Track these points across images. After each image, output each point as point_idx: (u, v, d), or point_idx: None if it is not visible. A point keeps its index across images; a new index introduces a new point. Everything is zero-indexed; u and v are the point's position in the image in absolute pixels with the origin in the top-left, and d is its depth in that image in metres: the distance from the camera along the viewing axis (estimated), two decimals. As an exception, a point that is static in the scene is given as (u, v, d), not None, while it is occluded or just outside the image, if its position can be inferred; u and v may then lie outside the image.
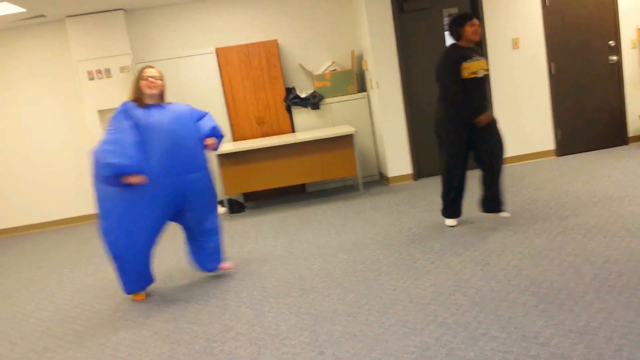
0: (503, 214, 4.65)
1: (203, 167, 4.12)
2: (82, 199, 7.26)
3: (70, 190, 7.25)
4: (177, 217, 4.14)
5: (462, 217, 4.91)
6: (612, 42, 6.75)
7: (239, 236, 5.49)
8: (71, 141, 7.17)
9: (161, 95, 4.03)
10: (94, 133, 6.84)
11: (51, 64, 7.03)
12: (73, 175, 7.22)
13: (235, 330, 3.39)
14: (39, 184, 7.21)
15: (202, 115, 4.20)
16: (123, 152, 3.71)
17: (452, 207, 4.74)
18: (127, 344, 3.44)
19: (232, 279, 4.29)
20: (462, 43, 4.49)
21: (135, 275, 4.08)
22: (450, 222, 4.78)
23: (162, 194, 3.91)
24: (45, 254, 5.99)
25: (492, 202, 4.62)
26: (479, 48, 4.46)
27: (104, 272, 4.99)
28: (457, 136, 4.49)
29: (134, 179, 3.73)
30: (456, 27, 4.47)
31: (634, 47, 6.79)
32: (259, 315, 3.55)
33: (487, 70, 4.49)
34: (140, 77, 3.93)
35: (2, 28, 6.82)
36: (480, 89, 4.47)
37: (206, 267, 4.32)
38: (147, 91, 3.92)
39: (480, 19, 6.56)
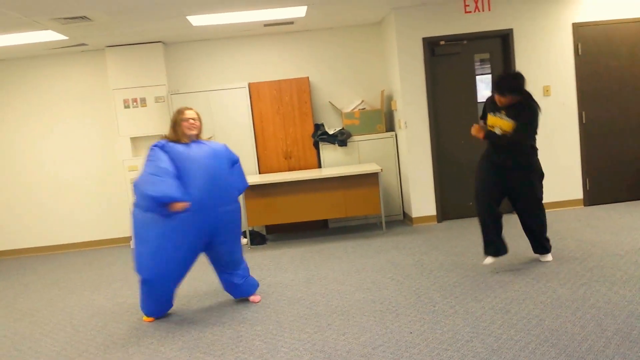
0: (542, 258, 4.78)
1: (235, 200, 4.30)
2: (108, 222, 7.38)
3: (97, 214, 7.37)
4: (207, 248, 4.26)
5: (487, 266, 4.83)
6: (645, 94, 6.69)
7: (259, 268, 5.49)
8: (102, 166, 7.33)
9: (198, 135, 4.25)
10: (125, 159, 6.99)
11: (88, 90, 7.25)
12: (101, 199, 7.35)
13: (248, 363, 3.37)
14: (67, 206, 7.36)
15: (234, 159, 4.37)
16: (170, 182, 3.89)
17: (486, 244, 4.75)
18: (140, 370, 3.44)
19: (248, 311, 4.28)
20: None
21: (160, 302, 4.24)
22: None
23: (197, 225, 4.04)
24: (68, 275, 6.08)
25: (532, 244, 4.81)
26: (517, 111, 4.38)
27: (123, 297, 5.03)
28: (483, 175, 4.64)
29: (179, 206, 3.88)
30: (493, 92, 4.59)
31: (668, 100, 6.72)
32: (272, 349, 3.53)
33: (507, 132, 4.41)
34: (180, 118, 4.14)
35: (44, 54, 7.09)
36: (497, 143, 4.51)
37: (241, 293, 4.49)
38: (187, 132, 4.15)
39: (512, 64, 6.58)
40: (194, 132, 4.17)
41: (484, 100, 4.78)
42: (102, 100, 7.25)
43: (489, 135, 4.49)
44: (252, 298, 4.50)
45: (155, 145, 4.06)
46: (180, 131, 4.12)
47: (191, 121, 4.14)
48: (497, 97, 4.45)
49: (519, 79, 4.40)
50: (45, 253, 7.38)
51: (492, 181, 4.57)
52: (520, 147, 4.48)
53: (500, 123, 4.45)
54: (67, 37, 6.13)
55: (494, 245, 4.66)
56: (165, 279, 4.09)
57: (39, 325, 4.48)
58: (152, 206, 3.89)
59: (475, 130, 4.56)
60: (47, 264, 6.73)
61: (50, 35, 5.94)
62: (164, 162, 3.95)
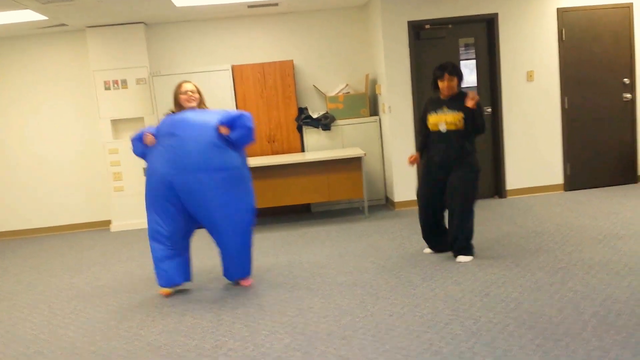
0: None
1: (221, 168, 4.09)
2: (90, 205, 7.31)
3: (78, 197, 7.30)
4: (209, 220, 4.24)
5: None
6: (626, 80, 6.73)
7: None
8: (82, 148, 7.24)
9: (199, 106, 4.31)
10: (106, 141, 6.91)
11: (68, 71, 7.14)
12: (82, 181, 7.27)
13: (228, 346, 3.37)
14: (47, 188, 7.27)
15: (228, 119, 4.15)
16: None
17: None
18: (119, 353, 3.42)
19: (228, 294, 4.28)
20: (439, 94, 4.56)
21: (159, 263, 4.26)
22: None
23: (167, 185, 4.10)
24: (47, 258, 6.02)
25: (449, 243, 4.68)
26: (461, 101, 4.37)
27: (102, 280, 5.00)
28: (425, 178, 4.71)
29: (148, 137, 4.17)
30: (433, 80, 4.55)
31: (649, 86, 6.77)
32: (253, 332, 3.53)
33: (455, 125, 4.40)
34: (178, 91, 4.26)
35: (23, 34, 6.96)
36: (444, 140, 4.46)
37: (225, 275, 4.47)
38: (186, 105, 4.23)
39: (496, 50, 6.59)
40: (193, 104, 4.24)
41: (430, 98, 4.71)
42: (82, 82, 7.14)
43: (473, 113, 4.37)
44: (242, 281, 4.45)
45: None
46: (179, 104, 4.25)
47: (189, 93, 4.22)
48: (446, 83, 4.44)
49: (459, 67, 4.61)
50: (25, 236, 7.30)
51: (433, 184, 4.61)
52: (466, 143, 4.45)
53: (445, 118, 4.44)
54: (46, 17, 6.02)
55: (430, 241, 4.81)
56: (156, 235, 4.20)
57: (17, 309, 4.43)
58: (135, 146, 4.29)
59: (412, 159, 4.74)
60: (27, 247, 6.66)
61: (29, 15, 5.83)
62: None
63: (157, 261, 4.25)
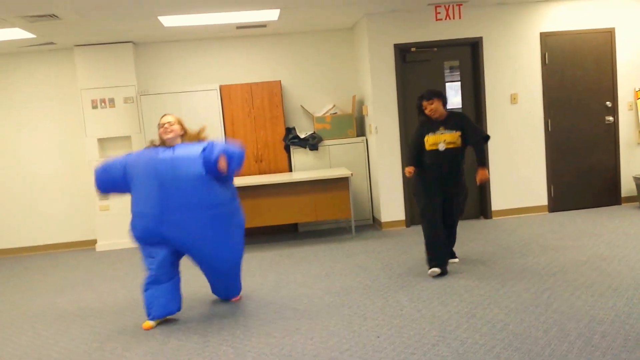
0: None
1: (210, 205, 4.02)
2: (75, 225, 7.24)
3: (63, 215, 7.23)
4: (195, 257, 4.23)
5: (453, 267, 4.91)
6: (609, 103, 6.87)
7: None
8: (68, 167, 7.20)
9: (183, 138, 4.22)
10: (92, 160, 6.87)
11: (56, 90, 7.12)
12: (67, 200, 7.22)
13: (214, 368, 3.34)
14: (31, 207, 7.20)
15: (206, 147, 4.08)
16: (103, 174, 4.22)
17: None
18: (103, 375, 3.38)
19: (214, 315, 4.25)
20: (431, 118, 4.82)
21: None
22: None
23: (155, 232, 4.01)
24: (32, 278, 5.94)
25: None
26: (456, 121, 4.78)
27: (86, 301, 4.94)
28: (427, 191, 4.82)
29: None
30: (418, 108, 4.87)
31: (631, 109, 6.91)
32: (239, 354, 3.51)
33: (454, 143, 4.71)
34: (158, 124, 4.22)
35: (11, 52, 6.94)
36: (444, 159, 4.72)
37: (214, 293, 4.53)
38: (164, 137, 4.16)
39: (481, 73, 6.70)
40: (170, 136, 4.12)
41: (421, 123, 4.90)
42: (70, 100, 7.12)
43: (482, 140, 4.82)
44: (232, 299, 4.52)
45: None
46: (160, 136, 4.19)
47: (166, 126, 4.14)
48: (428, 108, 4.76)
49: (439, 89, 5.08)
50: (9, 255, 7.20)
51: (437, 195, 4.78)
52: (461, 159, 4.83)
53: (444, 137, 4.70)
54: (34, 36, 6.02)
55: (443, 258, 4.81)
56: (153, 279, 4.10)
57: (1, 329, 4.36)
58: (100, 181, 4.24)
59: (411, 171, 4.86)
60: (11, 266, 6.57)
61: (17, 33, 5.83)
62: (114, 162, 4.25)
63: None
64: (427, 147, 4.75)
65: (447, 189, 4.78)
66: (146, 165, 4.05)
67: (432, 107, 4.74)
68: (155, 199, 3.95)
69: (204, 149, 4.03)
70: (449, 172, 4.75)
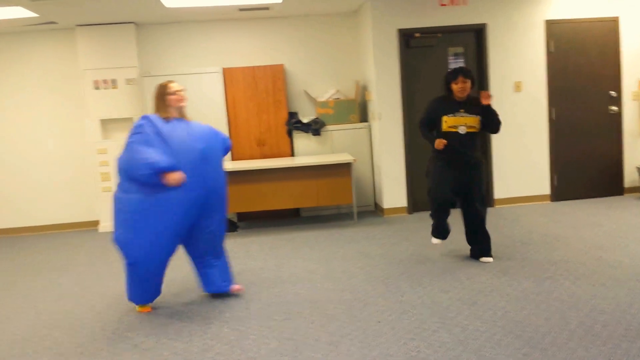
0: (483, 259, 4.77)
1: (223, 186, 4.08)
2: (78, 205, 7.25)
3: (66, 196, 7.24)
4: (191, 232, 4.02)
5: (455, 254, 4.92)
6: (613, 93, 6.83)
7: (229, 255, 5.45)
8: (70, 148, 7.19)
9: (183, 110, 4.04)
10: (94, 141, 6.86)
11: (58, 70, 7.09)
12: (70, 181, 7.22)
13: (215, 350, 3.36)
14: (34, 187, 7.21)
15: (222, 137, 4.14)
16: (159, 152, 3.70)
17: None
18: (105, 355, 3.40)
19: (216, 298, 4.26)
20: (452, 96, 4.57)
21: (149, 286, 4.02)
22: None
23: (185, 206, 3.83)
24: (33, 258, 5.95)
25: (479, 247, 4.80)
26: (477, 105, 4.53)
27: (89, 281, 4.96)
28: (440, 172, 4.64)
29: (174, 177, 3.67)
30: (446, 84, 4.58)
31: (635, 99, 6.88)
32: (240, 336, 3.52)
33: (474, 127, 4.53)
34: (167, 92, 3.89)
35: (13, 31, 6.90)
36: (462, 142, 4.53)
37: (217, 288, 4.23)
38: (178, 104, 3.92)
39: (485, 60, 6.65)
40: (184, 104, 3.94)
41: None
42: (72, 81, 7.09)
43: (489, 110, 4.52)
44: (233, 287, 4.30)
45: (142, 121, 3.82)
46: (167, 106, 3.88)
47: (180, 93, 3.91)
48: (460, 85, 4.46)
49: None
50: (11, 235, 7.21)
51: (450, 177, 4.60)
52: (478, 143, 4.67)
53: (464, 120, 4.51)
54: (37, 15, 5.97)
55: (445, 231, 4.79)
56: (153, 261, 3.88)
57: (1, 309, 4.38)
58: (146, 177, 3.66)
59: (440, 143, 4.55)
60: (13, 247, 6.59)
61: (19, 12, 5.78)
62: (150, 137, 3.75)
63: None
64: (445, 127, 4.53)
65: (464, 173, 4.58)
66: (184, 137, 3.83)
67: (465, 86, 4.46)
68: (195, 169, 3.82)
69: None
70: (471, 156, 4.58)
